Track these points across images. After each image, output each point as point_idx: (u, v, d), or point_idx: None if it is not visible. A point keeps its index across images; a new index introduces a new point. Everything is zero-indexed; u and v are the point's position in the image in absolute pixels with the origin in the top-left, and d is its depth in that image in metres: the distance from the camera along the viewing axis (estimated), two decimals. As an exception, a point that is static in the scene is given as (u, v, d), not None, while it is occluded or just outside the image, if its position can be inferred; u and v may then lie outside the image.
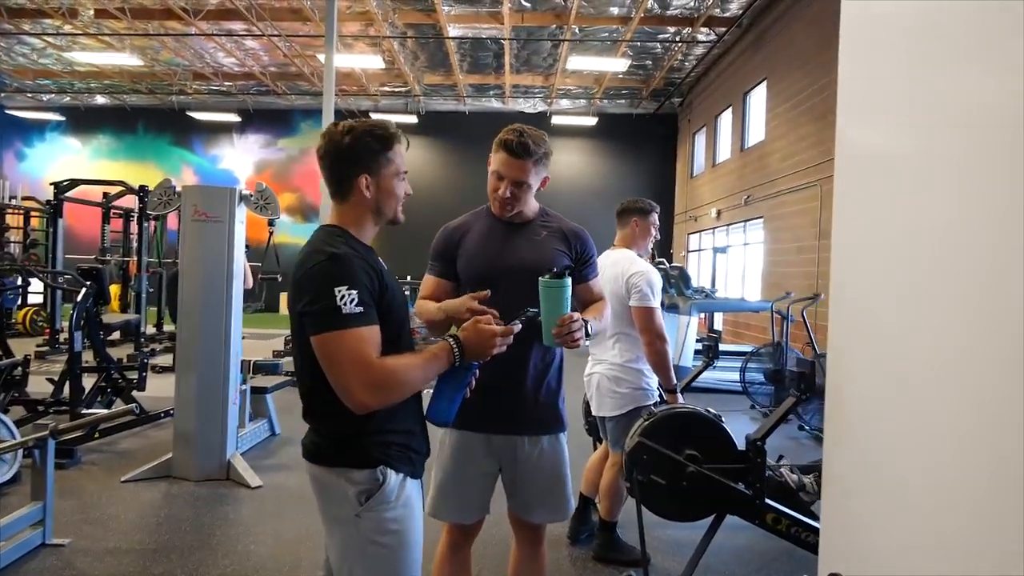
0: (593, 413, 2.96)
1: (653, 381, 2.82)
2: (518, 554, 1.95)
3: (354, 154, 1.42)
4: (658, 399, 2.83)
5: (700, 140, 14.82)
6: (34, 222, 11.24)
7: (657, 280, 2.77)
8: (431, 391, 1.50)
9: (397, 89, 15.32)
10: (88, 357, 4.87)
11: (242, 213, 4.02)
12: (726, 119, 12.94)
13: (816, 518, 2.91)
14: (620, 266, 2.81)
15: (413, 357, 1.39)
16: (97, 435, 4.43)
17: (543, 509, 1.87)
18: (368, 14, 10.76)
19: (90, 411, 4.44)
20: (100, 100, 16.79)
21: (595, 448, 3.52)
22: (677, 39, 11.90)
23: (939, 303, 1.01)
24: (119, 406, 4.81)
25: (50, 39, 12.28)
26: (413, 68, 13.86)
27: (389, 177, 1.45)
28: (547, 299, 1.63)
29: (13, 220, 11.30)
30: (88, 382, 4.79)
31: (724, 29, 11.04)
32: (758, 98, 11.19)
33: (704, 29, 11.23)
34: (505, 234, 1.87)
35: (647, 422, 2.53)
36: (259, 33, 11.47)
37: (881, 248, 1.21)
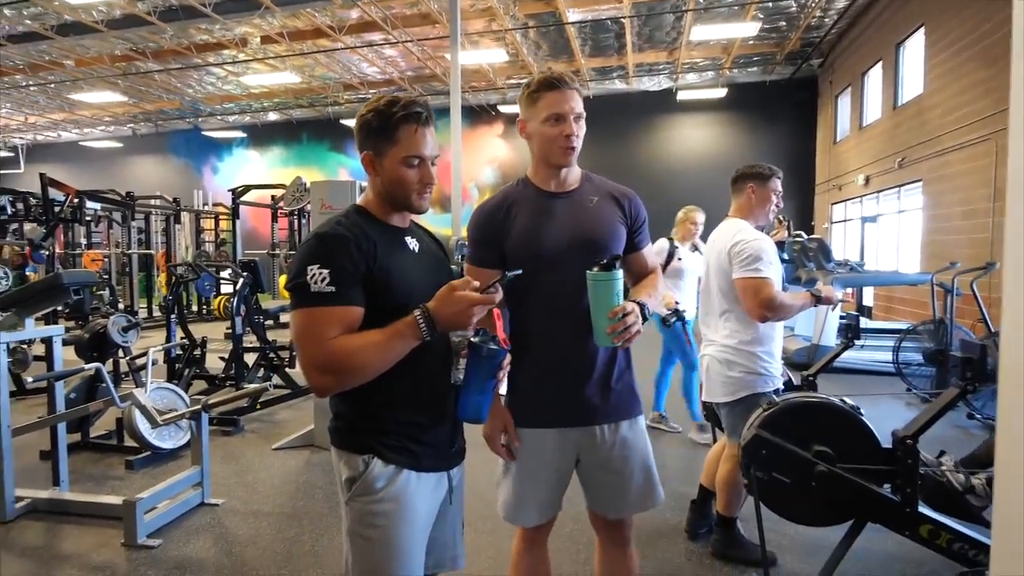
0: (703, 398, 2.60)
1: (772, 365, 2.40)
2: (604, 557, 1.69)
3: (361, 129, 1.33)
4: (780, 387, 2.41)
5: (844, 102, 13.09)
6: (223, 224, 12.67)
7: (769, 248, 2.32)
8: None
9: (522, 80, 15.13)
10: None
11: (366, 204, 4.08)
12: (875, 76, 11.28)
13: (989, 525, 2.35)
14: (725, 237, 2.42)
15: (374, 335, 1.22)
16: (258, 407, 4.80)
17: (630, 501, 1.61)
18: (490, 10, 10.70)
19: (250, 386, 4.81)
20: (272, 117, 18.49)
21: (714, 436, 3.15)
22: (814, -6, 10.56)
23: None
24: (277, 380, 5.18)
25: (229, 67, 13.67)
26: (536, 58, 13.64)
27: (392, 160, 1.31)
28: (597, 294, 1.39)
29: (208, 223, 12.87)
30: (251, 360, 5.21)
31: (870, -24, 9.57)
32: (913, 48, 9.58)
33: (846, -21, 9.83)
34: (556, 206, 1.58)
35: (766, 412, 2.15)
36: (395, 41, 11.88)
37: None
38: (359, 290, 1.24)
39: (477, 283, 1.24)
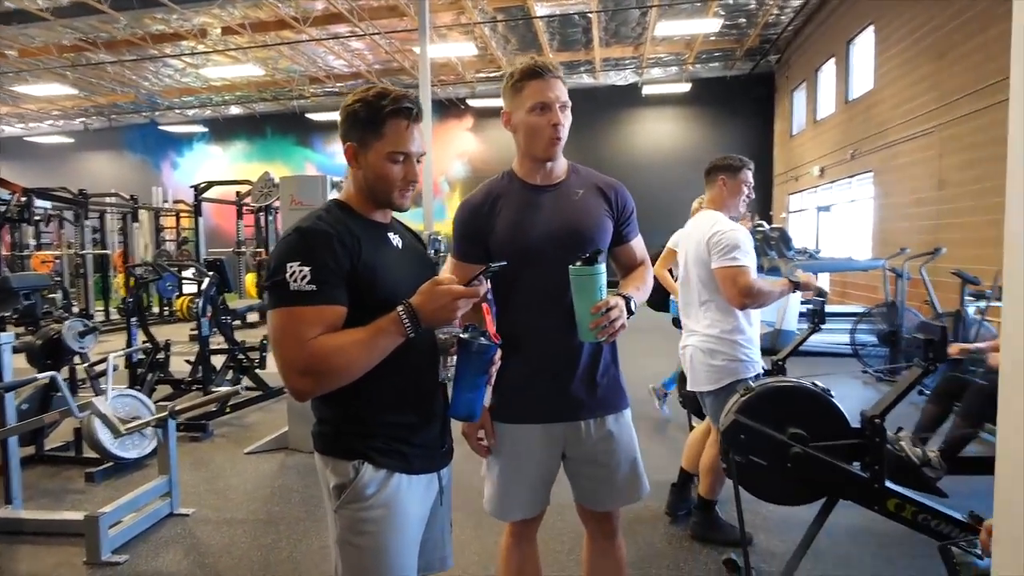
0: (688, 388, 2.63)
1: (752, 351, 2.45)
2: (592, 549, 1.68)
3: (347, 119, 1.26)
4: (760, 372, 2.46)
5: (799, 97, 13.44)
6: (185, 222, 12.26)
7: (745, 238, 2.36)
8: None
9: (492, 74, 15.07)
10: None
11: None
12: (828, 71, 11.61)
13: (944, 495, 2.44)
14: (702, 228, 2.45)
15: (355, 333, 1.16)
16: (228, 410, 4.66)
17: (616, 494, 1.60)
18: (459, 3, 10.57)
19: (218, 389, 4.67)
20: (234, 110, 17.96)
21: (690, 422, 3.20)
22: (771, -9, 10.76)
23: None
24: (246, 383, 5.03)
25: (188, 59, 13.19)
26: (505, 52, 13.56)
27: (376, 154, 1.24)
28: (579, 289, 1.37)
29: (168, 221, 12.43)
30: (219, 363, 5.04)
31: (823, -26, 9.80)
32: (863, 45, 9.89)
33: (801, -23, 10.04)
34: (541, 200, 1.54)
35: (743, 398, 2.18)
36: (361, 33, 11.65)
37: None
38: (342, 289, 1.17)
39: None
